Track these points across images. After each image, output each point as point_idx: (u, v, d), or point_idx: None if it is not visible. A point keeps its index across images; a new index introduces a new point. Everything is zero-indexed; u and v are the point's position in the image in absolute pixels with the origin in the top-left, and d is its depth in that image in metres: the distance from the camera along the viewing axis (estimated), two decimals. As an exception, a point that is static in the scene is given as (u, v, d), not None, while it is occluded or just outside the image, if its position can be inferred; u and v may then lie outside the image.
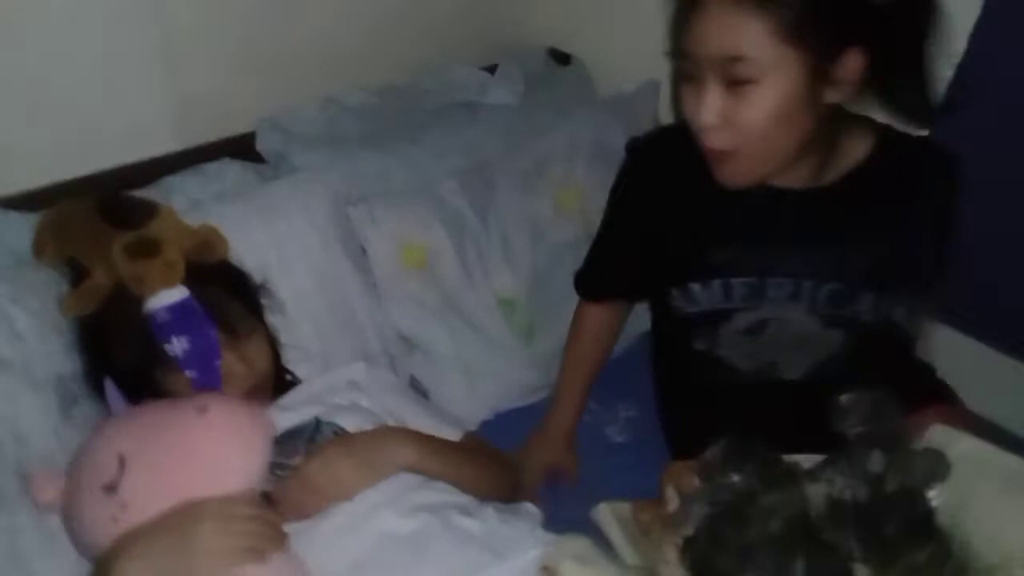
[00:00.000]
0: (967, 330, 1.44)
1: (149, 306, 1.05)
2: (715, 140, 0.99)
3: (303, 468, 1.02)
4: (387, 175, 1.43)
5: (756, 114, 0.96)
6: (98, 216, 1.09)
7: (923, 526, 1.05)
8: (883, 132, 1.11)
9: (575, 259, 1.47)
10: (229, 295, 1.11)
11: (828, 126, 1.03)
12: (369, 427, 1.11)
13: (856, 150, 1.08)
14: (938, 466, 1.10)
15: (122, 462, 0.95)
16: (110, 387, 1.10)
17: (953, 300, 1.30)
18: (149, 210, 1.12)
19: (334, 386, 1.19)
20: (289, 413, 1.12)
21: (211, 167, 1.33)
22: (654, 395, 1.34)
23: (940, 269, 1.14)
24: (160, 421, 1.00)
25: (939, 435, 1.08)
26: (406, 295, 1.37)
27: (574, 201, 1.51)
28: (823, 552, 1.05)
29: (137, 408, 1.07)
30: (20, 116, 1.23)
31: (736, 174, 1.03)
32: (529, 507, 1.14)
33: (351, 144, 1.44)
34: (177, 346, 1.04)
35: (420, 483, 1.07)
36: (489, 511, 1.07)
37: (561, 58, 1.77)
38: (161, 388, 1.08)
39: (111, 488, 0.94)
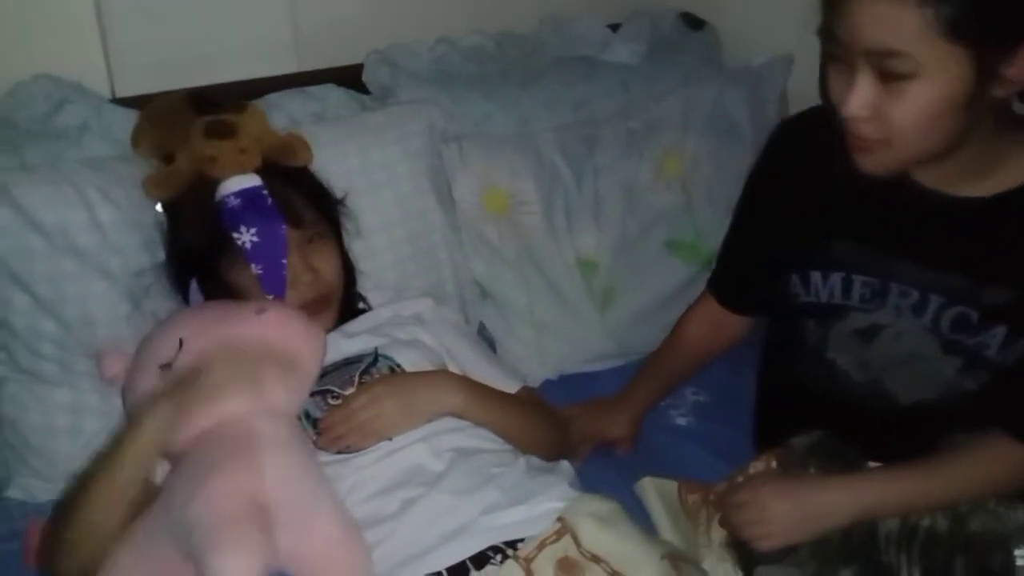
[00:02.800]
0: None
1: (221, 191, 1.07)
2: (862, 130, 0.90)
3: (349, 402, 1.03)
4: (488, 119, 1.41)
5: (910, 110, 0.85)
6: (189, 105, 1.14)
7: (994, 578, 0.95)
8: None
9: (668, 228, 1.43)
10: (305, 198, 1.12)
11: (992, 126, 0.91)
12: (427, 366, 1.11)
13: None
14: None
15: (181, 344, 0.98)
16: (194, 288, 1.13)
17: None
18: (237, 104, 1.15)
19: (399, 318, 1.19)
20: (351, 340, 1.13)
21: (315, 90, 1.35)
22: (756, 386, 1.25)
23: None
24: (222, 315, 1.03)
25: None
26: (484, 240, 1.35)
27: (678, 168, 1.44)
28: (876, 570, 0.97)
29: (208, 303, 1.10)
30: (148, 25, 1.30)
31: (878, 165, 0.92)
32: (564, 464, 1.11)
33: (457, 84, 1.42)
34: (245, 236, 1.06)
35: (460, 427, 1.07)
36: (520, 462, 1.05)
37: (694, 23, 1.68)
38: (229, 284, 1.10)
39: (167, 367, 0.98)
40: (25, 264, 1.12)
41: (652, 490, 1.16)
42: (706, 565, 1.05)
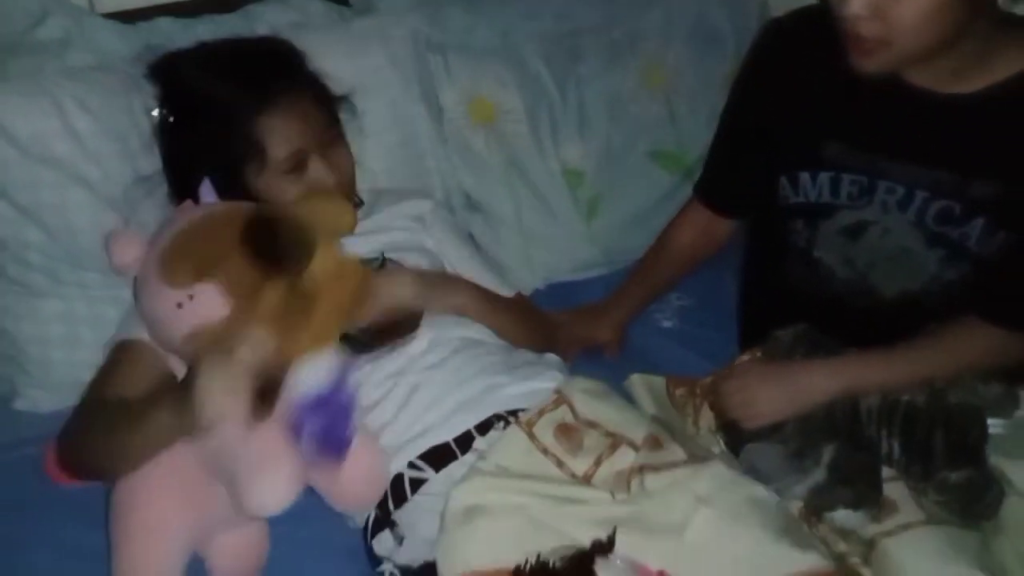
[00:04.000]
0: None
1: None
2: (862, 30, 0.91)
3: (373, 278, 1.05)
4: (470, 32, 1.40)
5: (911, 9, 0.87)
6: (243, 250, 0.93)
7: (971, 450, 1.00)
8: None
9: (652, 138, 1.45)
10: (315, 103, 1.10)
11: (983, 24, 0.93)
12: (425, 264, 1.15)
13: (1011, 62, 0.96)
14: (1007, 401, 1.04)
15: None
16: (207, 187, 1.05)
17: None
18: (303, 240, 0.95)
19: (402, 219, 1.20)
20: (356, 240, 1.11)
21: (295, 0, 1.33)
22: (739, 288, 1.30)
23: None
24: None
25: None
26: (471, 150, 1.36)
27: (661, 79, 1.45)
28: (858, 444, 1.02)
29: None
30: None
31: (876, 65, 0.94)
32: (553, 357, 1.15)
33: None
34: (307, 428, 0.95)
35: (462, 322, 1.12)
36: (517, 352, 1.12)
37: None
38: (252, 190, 1.08)
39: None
40: (2, 173, 1.12)
41: (641, 385, 1.20)
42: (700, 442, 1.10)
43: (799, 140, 1.06)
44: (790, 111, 1.08)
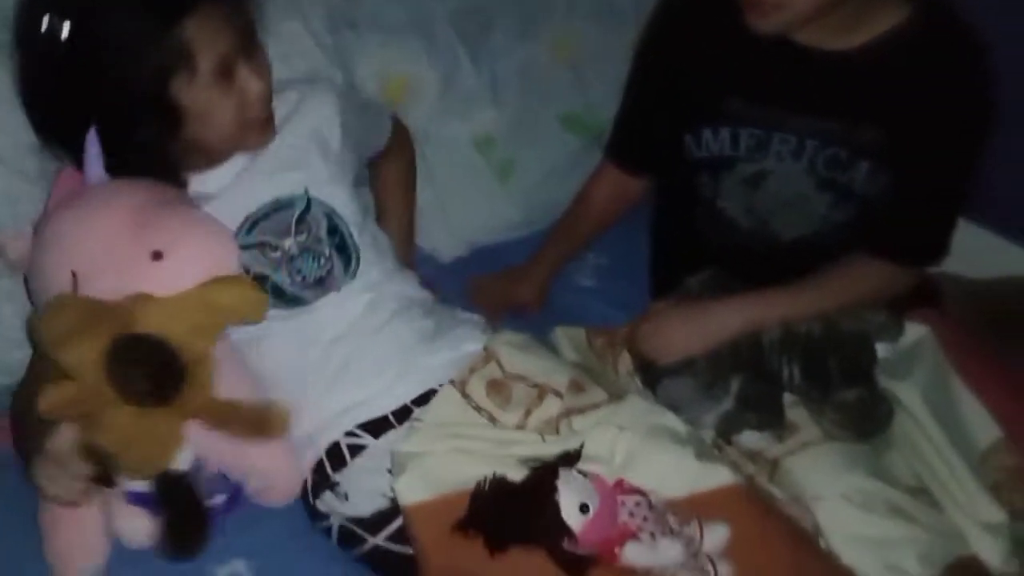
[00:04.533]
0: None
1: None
2: None
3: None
4: (381, 9, 1.41)
5: None
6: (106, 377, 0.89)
7: (861, 371, 1.09)
8: (926, 5, 1.06)
9: (561, 103, 1.50)
10: (236, 4, 1.01)
11: None
12: (352, 202, 1.12)
13: (888, 17, 1.05)
14: (893, 327, 1.14)
15: (74, 279, 0.93)
16: (92, 145, 0.99)
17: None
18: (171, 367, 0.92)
19: (304, 141, 1.12)
20: (271, 179, 1.08)
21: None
22: (650, 242, 1.37)
23: (964, 171, 1.10)
24: (114, 249, 0.93)
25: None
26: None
27: (571, 48, 1.51)
28: (762, 374, 1.10)
29: (98, 200, 0.97)
30: None
31: (770, 24, 1.02)
32: (476, 316, 1.20)
33: None
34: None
35: (393, 276, 1.15)
36: (445, 312, 1.15)
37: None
38: (151, 149, 1.00)
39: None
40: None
41: (563, 337, 1.26)
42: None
43: (700, 98, 1.14)
44: (691, 71, 1.15)
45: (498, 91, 1.47)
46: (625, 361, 1.22)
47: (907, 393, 1.09)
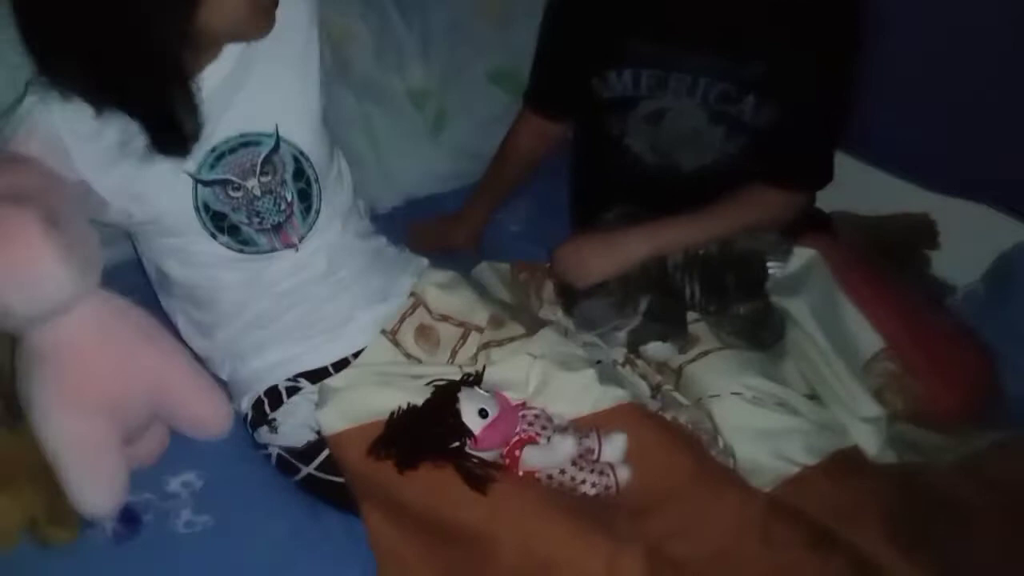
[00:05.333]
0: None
1: None
2: None
3: None
4: None
5: None
6: None
7: (754, 286, 1.21)
8: None
9: (490, 57, 1.59)
10: None
11: None
12: (321, 134, 1.13)
13: None
14: (782, 247, 1.26)
15: None
16: None
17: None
18: None
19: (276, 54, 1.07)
20: (239, 105, 1.05)
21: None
22: (567, 184, 1.47)
23: (840, 103, 1.21)
24: None
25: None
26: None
27: (498, 7, 1.61)
28: (668, 292, 1.21)
29: None
30: None
31: None
32: (414, 256, 1.28)
33: None
34: None
35: (347, 223, 1.19)
36: (394, 262, 1.23)
37: None
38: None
39: None
40: None
41: (489, 270, 1.36)
42: (540, 314, 1.28)
43: (605, 43, 1.23)
44: (595, 18, 1.24)
45: (429, 45, 1.55)
46: (547, 291, 1.32)
47: (797, 308, 1.21)
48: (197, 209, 1.06)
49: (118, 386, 1.01)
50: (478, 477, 0.95)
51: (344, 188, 1.19)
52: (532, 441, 0.99)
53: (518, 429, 1.00)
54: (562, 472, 0.98)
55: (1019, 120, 1.38)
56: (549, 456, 0.99)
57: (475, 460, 0.96)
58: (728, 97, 1.19)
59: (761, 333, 1.18)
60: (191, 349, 1.15)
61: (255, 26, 1.00)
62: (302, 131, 1.10)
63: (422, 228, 1.47)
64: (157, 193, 1.04)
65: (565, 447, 0.98)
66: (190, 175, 1.04)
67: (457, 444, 0.95)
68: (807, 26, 1.15)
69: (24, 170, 0.95)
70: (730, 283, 1.18)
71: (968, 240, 1.48)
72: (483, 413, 0.98)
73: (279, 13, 1.01)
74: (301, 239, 1.13)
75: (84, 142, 0.99)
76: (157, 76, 0.95)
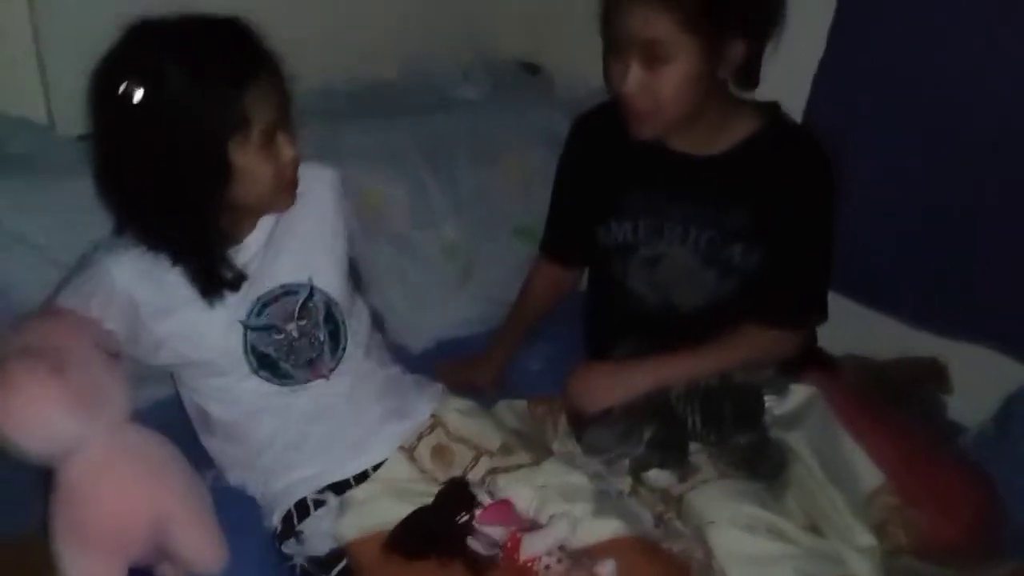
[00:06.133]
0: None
1: None
2: (635, 104, 1.24)
3: None
4: (364, 148, 1.68)
5: (668, 85, 1.20)
6: None
7: (752, 417, 1.29)
8: (773, 116, 1.33)
9: (514, 215, 1.76)
10: (281, 80, 1.12)
11: (719, 99, 1.28)
12: (345, 293, 1.29)
13: (745, 128, 1.32)
14: (780, 382, 1.34)
15: None
16: None
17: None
18: None
19: (311, 228, 1.27)
20: (278, 260, 1.22)
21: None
22: (582, 324, 1.58)
23: (825, 248, 1.34)
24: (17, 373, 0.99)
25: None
26: (364, 232, 1.62)
27: (521, 173, 1.79)
28: (670, 423, 1.29)
29: None
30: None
31: (646, 130, 1.27)
32: (437, 384, 1.39)
33: (337, 119, 1.71)
34: None
35: (369, 352, 1.33)
36: (409, 385, 1.35)
37: (532, 69, 2.09)
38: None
39: None
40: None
41: (507, 408, 1.46)
42: (553, 446, 1.36)
43: (605, 197, 1.39)
44: (597, 175, 1.41)
45: (459, 206, 1.73)
46: (563, 423, 1.40)
47: (796, 442, 1.27)
48: (246, 351, 1.20)
49: (120, 522, 1.06)
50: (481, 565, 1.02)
51: (363, 322, 1.34)
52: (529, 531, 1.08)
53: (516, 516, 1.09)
54: (559, 561, 1.05)
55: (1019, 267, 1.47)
56: (547, 538, 1.06)
57: (482, 535, 1.05)
58: (716, 244, 1.32)
59: (759, 464, 1.23)
60: (226, 478, 1.29)
61: (280, 200, 1.18)
62: (331, 281, 1.27)
63: (448, 369, 1.58)
64: (214, 338, 1.19)
65: (561, 526, 1.05)
66: (241, 323, 1.20)
67: (467, 517, 1.04)
68: (782, 177, 1.28)
69: (56, 323, 1.08)
70: (728, 414, 1.25)
71: (977, 383, 1.53)
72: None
73: (306, 188, 1.21)
74: (331, 371, 1.27)
75: (152, 292, 1.15)
76: (204, 240, 1.15)
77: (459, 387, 1.51)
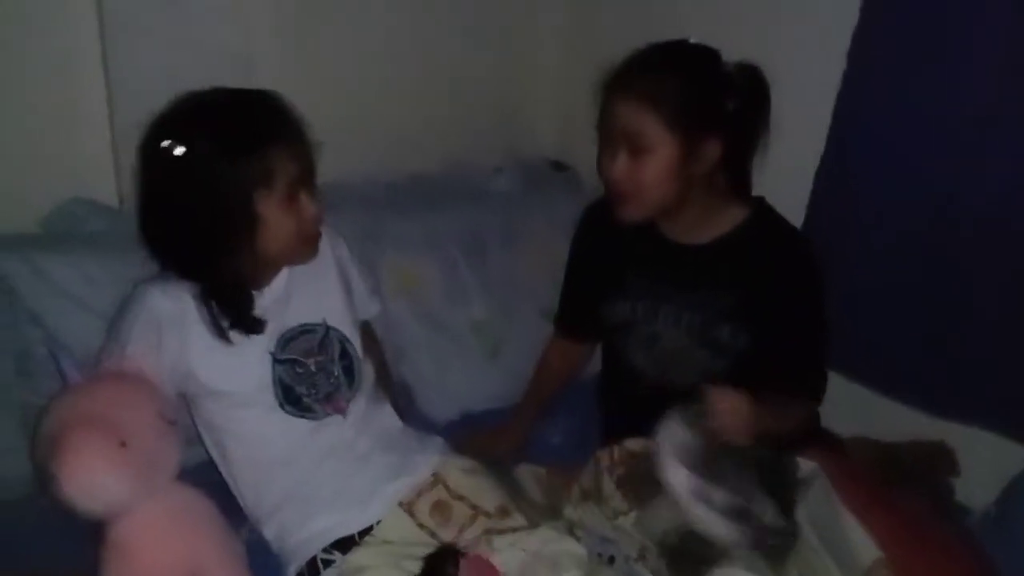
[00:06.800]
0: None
1: None
2: (620, 188, 1.39)
3: None
4: (406, 234, 1.84)
5: (648, 173, 1.35)
6: None
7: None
8: (758, 209, 1.45)
9: (540, 300, 1.88)
10: (305, 144, 1.27)
11: (706, 192, 1.41)
12: (358, 340, 1.43)
13: (732, 218, 1.44)
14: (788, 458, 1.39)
15: None
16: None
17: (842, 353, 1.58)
18: None
19: (327, 283, 1.44)
20: (295, 305, 1.37)
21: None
22: (595, 399, 1.67)
23: (813, 328, 1.43)
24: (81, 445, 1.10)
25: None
26: (399, 309, 1.77)
27: (548, 260, 1.89)
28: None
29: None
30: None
31: (629, 213, 1.41)
32: (436, 438, 1.49)
33: (379, 207, 1.87)
34: None
35: (377, 403, 1.44)
36: (410, 440, 1.45)
37: (560, 167, 2.25)
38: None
39: None
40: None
41: (527, 472, 1.54)
42: (565, 511, 1.42)
43: (610, 278, 1.51)
44: (603, 259, 1.54)
45: (489, 287, 1.86)
46: (576, 492, 1.46)
47: (799, 515, 1.31)
48: (274, 382, 1.33)
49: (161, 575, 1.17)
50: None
51: (369, 374, 1.45)
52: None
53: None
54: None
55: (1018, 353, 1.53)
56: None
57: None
58: (707, 325, 1.43)
59: (780, 539, 1.27)
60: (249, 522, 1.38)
61: (302, 253, 1.33)
62: (344, 322, 1.42)
63: (470, 440, 1.65)
64: (248, 368, 1.32)
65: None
66: (271, 354, 1.33)
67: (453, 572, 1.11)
68: (765, 264, 1.40)
69: (121, 390, 1.19)
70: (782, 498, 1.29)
71: (985, 465, 1.57)
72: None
73: (323, 244, 1.35)
74: (348, 402, 1.38)
75: (191, 325, 1.29)
76: (232, 282, 1.29)
77: (480, 459, 1.56)
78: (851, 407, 1.55)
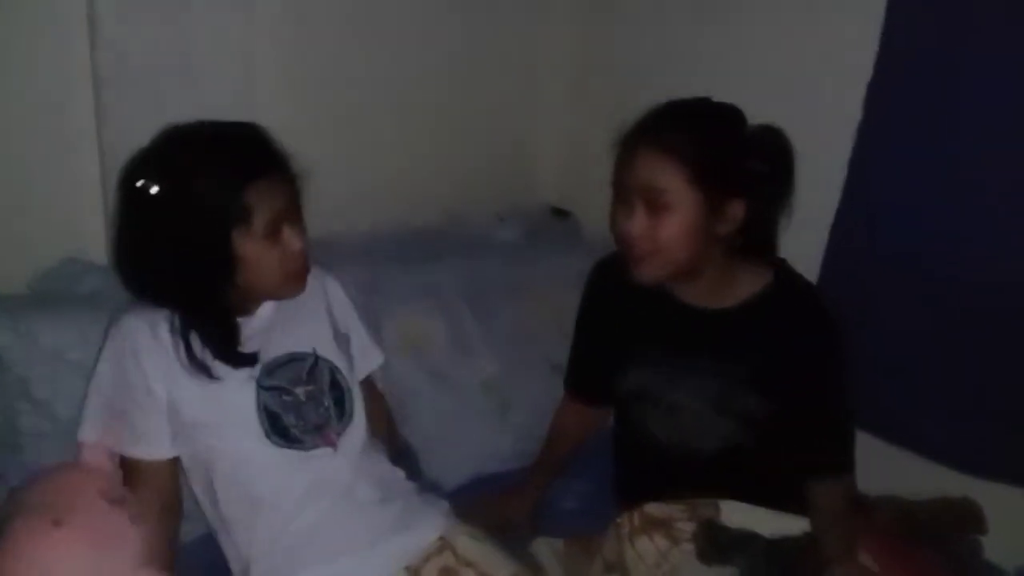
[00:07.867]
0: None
1: None
2: (637, 246, 1.32)
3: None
4: (408, 287, 1.79)
5: (668, 231, 1.29)
6: None
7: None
8: (780, 274, 1.39)
9: (549, 353, 1.82)
10: (288, 179, 1.26)
11: (726, 254, 1.36)
12: (345, 359, 1.40)
13: (753, 284, 1.38)
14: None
15: None
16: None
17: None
18: None
19: (315, 312, 1.42)
20: (288, 333, 1.34)
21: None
22: (611, 464, 1.60)
23: (840, 399, 1.38)
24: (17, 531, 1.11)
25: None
26: (403, 368, 1.70)
27: (554, 310, 1.86)
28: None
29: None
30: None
31: (647, 274, 1.34)
32: (442, 502, 1.42)
33: (381, 261, 1.82)
34: None
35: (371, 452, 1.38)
36: (413, 497, 1.38)
37: (561, 214, 2.21)
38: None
39: None
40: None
41: (545, 546, 1.48)
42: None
43: (622, 345, 1.45)
44: (614, 324, 1.48)
45: (496, 343, 1.80)
46: (598, 564, 1.40)
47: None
48: (259, 409, 1.28)
49: None
50: None
51: (363, 412, 1.39)
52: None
53: None
54: None
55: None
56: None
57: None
58: (725, 394, 1.37)
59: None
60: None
61: (289, 288, 1.31)
62: (334, 353, 1.38)
63: (481, 504, 1.59)
64: (233, 395, 1.28)
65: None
66: (255, 380, 1.29)
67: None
68: (787, 333, 1.34)
69: (59, 479, 1.19)
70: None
71: (1015, 524, 1.53)
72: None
73: (313, 277, 1.33)
74: (338, 435, 1.32)
75: (169, 352, 1.26)
76: (211, 315, 1.27)
77: (492, 523, 1.51)
78: (877, 466, 1.51)
